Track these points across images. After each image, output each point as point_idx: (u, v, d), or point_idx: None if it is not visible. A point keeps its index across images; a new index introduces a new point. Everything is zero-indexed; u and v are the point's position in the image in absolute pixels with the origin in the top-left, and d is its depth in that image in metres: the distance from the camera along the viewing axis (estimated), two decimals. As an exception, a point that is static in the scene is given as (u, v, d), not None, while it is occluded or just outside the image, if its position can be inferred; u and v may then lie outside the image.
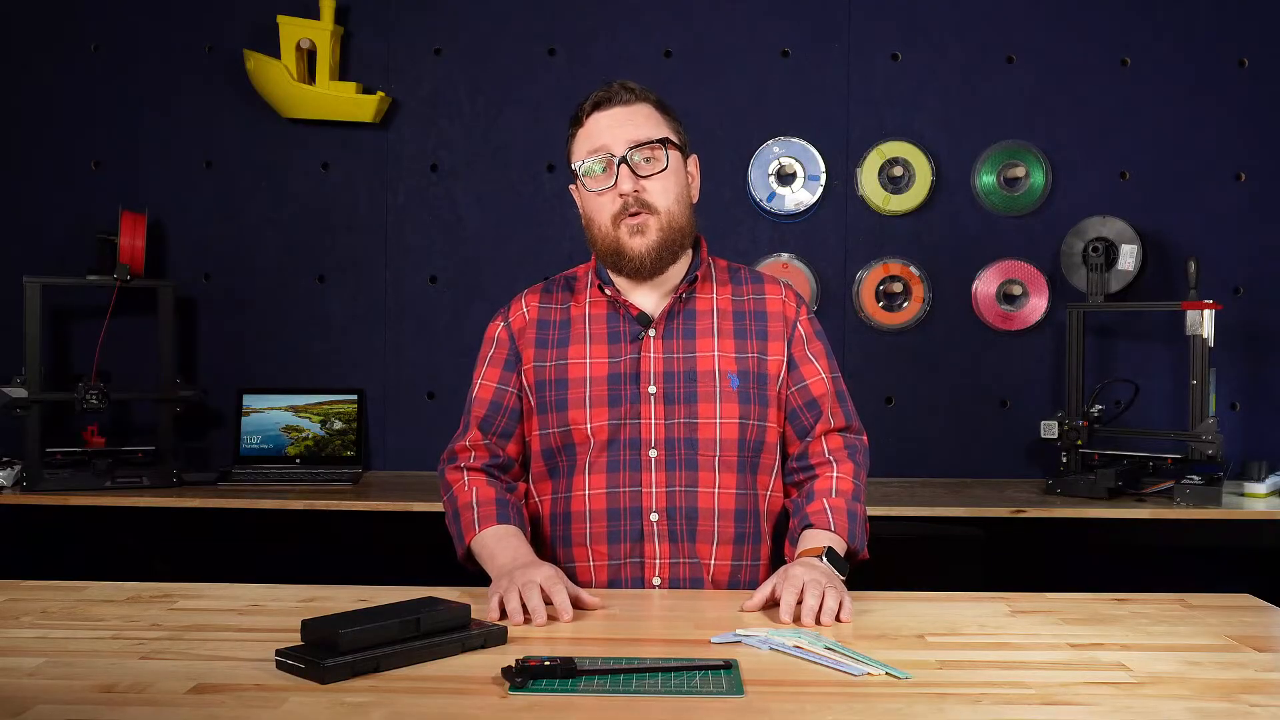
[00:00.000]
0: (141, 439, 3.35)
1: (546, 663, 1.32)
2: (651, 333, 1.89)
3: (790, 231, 3.48)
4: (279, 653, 1.35)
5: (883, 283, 3.46)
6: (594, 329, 1.91)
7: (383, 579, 1.88)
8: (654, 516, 1.84)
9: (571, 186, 1.95)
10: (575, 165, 1.88)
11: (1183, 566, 3.26)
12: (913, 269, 3.45)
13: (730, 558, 1.86)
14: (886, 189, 3.46)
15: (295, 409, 3.46)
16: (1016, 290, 3.45)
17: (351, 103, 3.42)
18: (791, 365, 1.93)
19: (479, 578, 1.93)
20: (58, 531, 3.06)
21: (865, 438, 1.98)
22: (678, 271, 1.92)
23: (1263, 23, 3.42)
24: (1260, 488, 3.11)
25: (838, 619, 1.59)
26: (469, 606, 1.49)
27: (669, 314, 1.90)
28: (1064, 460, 3.16)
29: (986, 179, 3.45)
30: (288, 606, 1.67)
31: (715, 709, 1.24)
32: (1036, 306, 3.44)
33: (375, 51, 3.51)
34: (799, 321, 1.95)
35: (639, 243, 1.84)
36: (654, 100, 1.90)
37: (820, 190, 3.47)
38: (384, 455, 3.53)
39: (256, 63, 3.37)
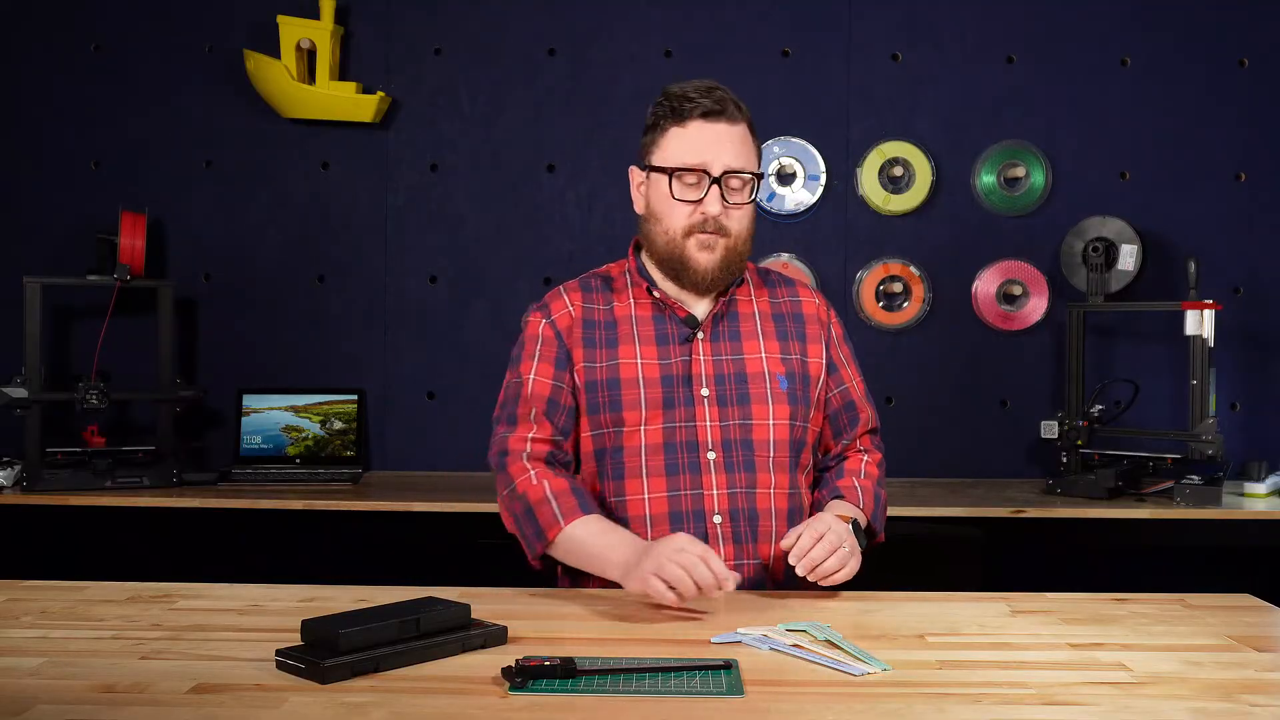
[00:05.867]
0: (141, 439, 3.35)
1: (546, 663, 1.32)
2: (700, 335, 1.90)
3: (790, 231, 3.48)
4: (279, 653, 1.35)
5: (883, 283, 3.46)
6: (641, 330, 1.90)
7: (383, 579, 1.87)
8: (717, 519, 1.83)
9: (638, 170, 1.91)
10: (660, 162, 1.85)
11: (1183, 566, 3.26)
12: (913, 269, 3.45)
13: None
14: (886, 189, 3.46)
15: (295, 409, 3.46)
16: (1016, 290, 3.45)
17: (351, 103, 3.42)
18: (831, 368, 1.97)
19: (479, 578, 1.93)
20: (58, 531, 3.06)
21: (879, 435, 2.06)
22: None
23: (1263, 23, 3.42)
24: (1260, 488, 3.11)
25: (827, 584, 1.70)
26: (469, 606, 1.49)
27: (715, 317, 1.91)
28: (1064, 460, 3.16)
29: (986, 179, 3.45)
30: (288, 606, 1.67)
31: (715, 709, 1.24)
32: (1036, 306, 3.44)
33: (375, 51, 3.51)
34: (831, 325, 2.01)
35: (706, 258, 1.85)
36: (750, 121, 1.88)
37: (820, 190, 3.47)
38: (384, 455, 3.52)
39: (256, 63, 3.37)
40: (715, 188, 1.82)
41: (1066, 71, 3.45)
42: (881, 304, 3.46)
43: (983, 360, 3.47)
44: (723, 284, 1.90)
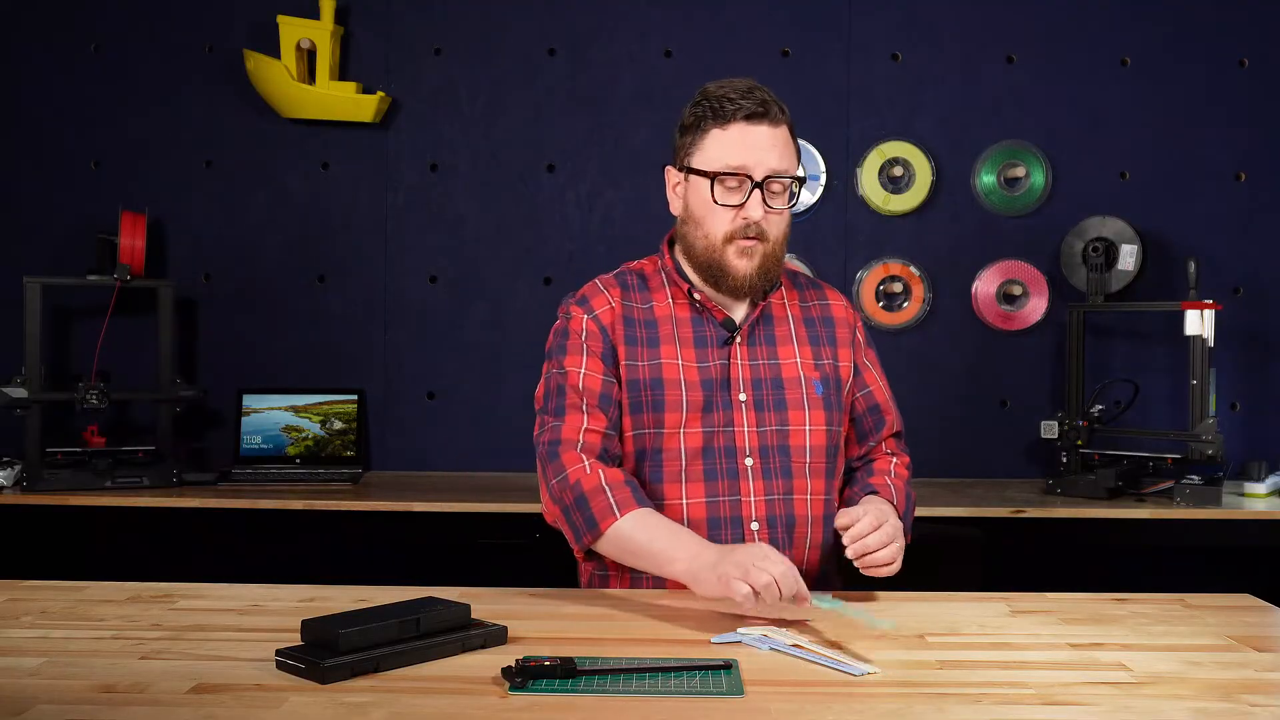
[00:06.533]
0: (141, 439, 3.35)
1: (546, 663, 1.32)
2: (738, 339, 1.88)
3: (790, 231, 3.47)
4: (279, 653, 1.35)
5: (883, 283, 3.46)
6: (681, 331, 1.88)
7: (383, 579, 1.87)
8: (754, 525, 1.82)
9: (674, 171, 1.89)
10: (701, 165, 1.83)
11: (1183, 566, 3.26)
12: (913, 269, 3.45)
13: (819, 561, 1.87)
14: (886, 189, 3.46)
15: (295, 409, 3.46)
16: (1016, 290, 3.45)
17: (351, 103, 3.42)
18: (855, 371, 1.96)
19: (479, 578, 1.93)
20: (58, 531, 3.06)
21: (904, 440, 2.05)
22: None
23: (1263, 23, 3.42)
24: (1260, 488, 3.11)
25: (871, 574, 1.71)
26: (469, 606, 1.49)
27: (751, 321, 1.90)
28: (1064, 460, 3.16)
29: (986, 179, 3.45)
30: (288, 606, 1.67)
31: (715, 709, 1.24)
32: (1036, 306, 3.44)
33: (375, 51, 3.51)
34: (857, 328, 2.00)
35: (745, 265, 1.83)
36: (791, 122, 1.86)
37: (820, 190, 3.47)
38: (384, 455, 3.52)
39: (256, 63, 3.37)
40: (757, 192, 1.80)
41: (1066, 71, 3.45)
42: (881, 304, 3.46)
43: (983, 360, 3.47)
44: (761, 289, 1.88)
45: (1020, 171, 3.44)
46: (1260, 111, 3.42)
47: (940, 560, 2.93)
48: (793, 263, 3.43)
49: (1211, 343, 3.05)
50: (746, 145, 1.80)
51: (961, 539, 2.92)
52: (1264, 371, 3.43)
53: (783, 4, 3.48)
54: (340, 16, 3.45)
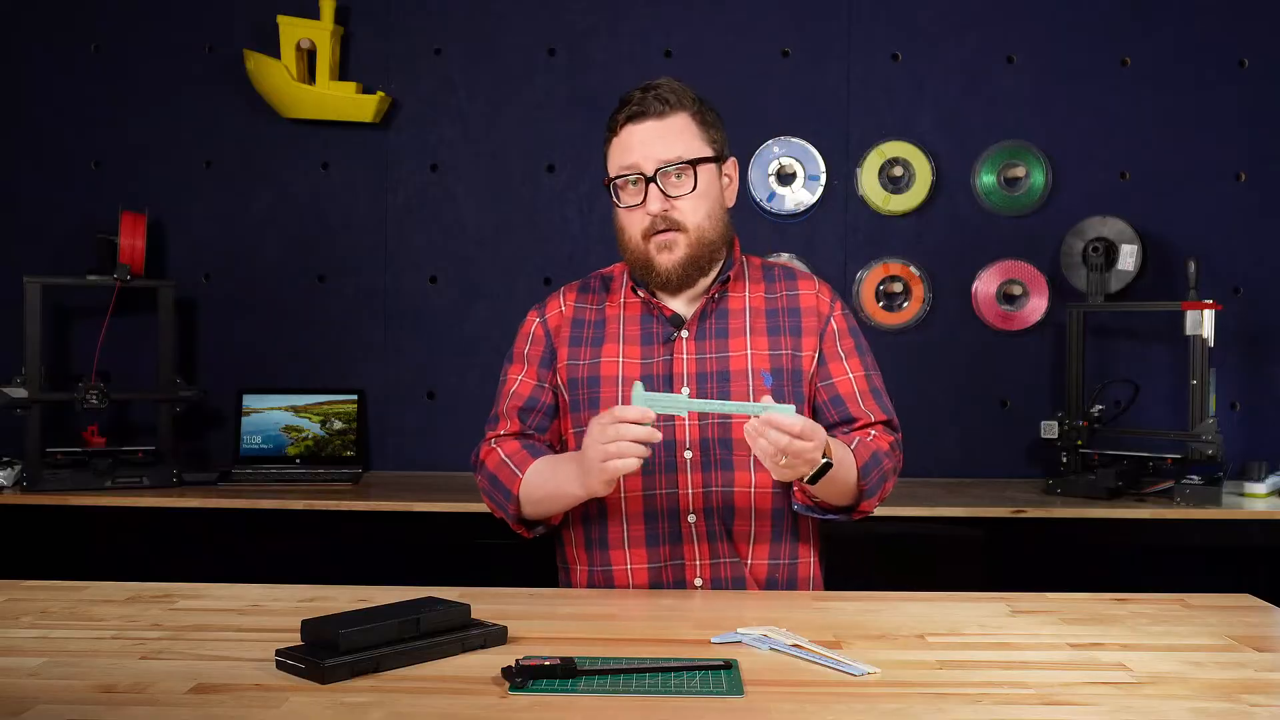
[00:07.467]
0: (141, 439, 3.35)
1: (546, 663, 1.32)
2: (684, 334, 1.89)
3: (790, 231, 3.48)
4: (279, 653, 1.35)
5: (883, 283, 3.46)
6: (627, 330, 1.91)
7: (383, 579, 1.88)
8: (691, 518, 1.83)
9: (607, 182, 1.93)
10: (609, 175, 1.88)
11: (1183, 566, 3.26)
12: (913, 269, 3.45)
13: (768, 556, 1.86)
14: (886, 189, 3.46)
15: (295, 409, 3.46)
16: (1016, 290, 3.45)
17: (351, 103, 3.42)
18: (821, 360, 1.91)
19: (479, 578, 1.93)
20: (58, 531, 3.06)
21: (900, 435, 1.94)
22: (710, 273, 1.92)
23: (1263, 23, 3.42)
24: (1260, 488, 3.10)
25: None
26: (469, 606, 1.49)
27: (701, 314, 1.90)
28: (1064, 460, 3.16)
29: (986, 179, 3.45)
30: (288, 606, 1.67)
31: (715, 709, 1.24)
32: (1036, 306, 3.44)
33: (375, 51, 3.51)
34: (833, 317, 1.94)
35: (666, 259, 1.85)
36: (691, 108, 1.86)
37: (820, 190, 3.47)
38: (384, 455, 3.52)
39: (256, 63, 3.37)
40: (653, 186, 1.83)
41: (1066, 72, 3.45)
42: (881, 304, 3.46)
43: (983, 360, 3.47)
44: (695, 280, 1.88)
45: (1020, 171, 3.44)
46: (1260, 111, 3.42)
47: (940, 560, 2.93)
48: (792, 263, 3.43)
49: (1211, 343, 3.05)
50: (633, 145, 1.84)
51: (961, 539, 2.92)
52: (1264, 371, 3.43)
53: (783, 4, 3.48)
54: (340, 16, 3.45)
